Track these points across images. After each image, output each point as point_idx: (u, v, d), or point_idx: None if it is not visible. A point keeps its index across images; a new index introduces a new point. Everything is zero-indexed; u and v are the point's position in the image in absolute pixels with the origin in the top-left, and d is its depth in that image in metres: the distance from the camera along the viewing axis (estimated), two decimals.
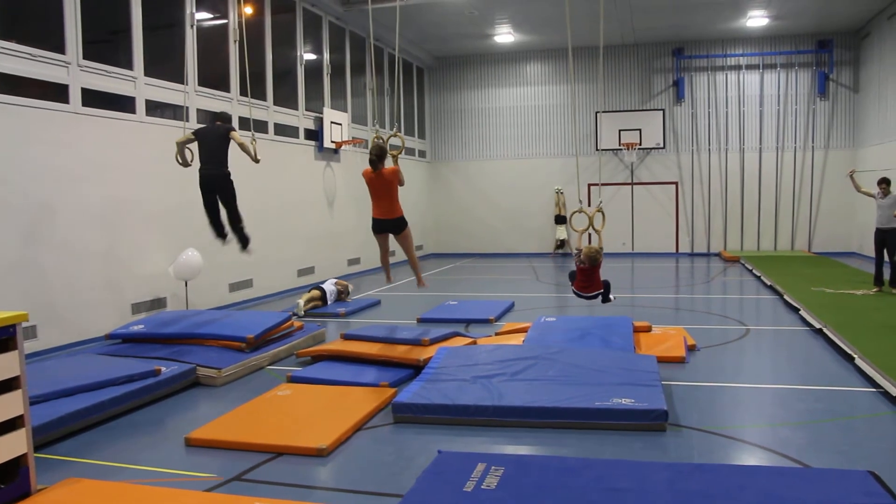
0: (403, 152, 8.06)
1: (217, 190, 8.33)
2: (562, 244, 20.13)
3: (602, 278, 7.89)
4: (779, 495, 3.78)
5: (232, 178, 8.37)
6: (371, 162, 7.50)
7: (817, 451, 4.71)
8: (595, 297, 7.88)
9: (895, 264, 10.86)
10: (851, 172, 12.22)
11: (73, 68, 8.58)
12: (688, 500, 3.75)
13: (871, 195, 11.35)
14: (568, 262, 18.28)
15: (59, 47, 8.44)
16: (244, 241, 8.68)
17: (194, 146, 8.46)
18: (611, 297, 7.99)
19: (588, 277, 7.78)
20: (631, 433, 5.10)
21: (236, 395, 6.43)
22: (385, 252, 8.14)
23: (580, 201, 8.38)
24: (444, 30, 17.71)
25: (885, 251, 11.08)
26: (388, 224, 7.70)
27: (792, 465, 4.47)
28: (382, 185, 7.56)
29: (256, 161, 8.51)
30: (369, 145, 8.31)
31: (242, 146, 8.23)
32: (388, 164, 7.72)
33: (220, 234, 8.60)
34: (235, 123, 11.51)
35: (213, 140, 8.29)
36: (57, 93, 8.41)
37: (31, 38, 8.10)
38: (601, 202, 8.28)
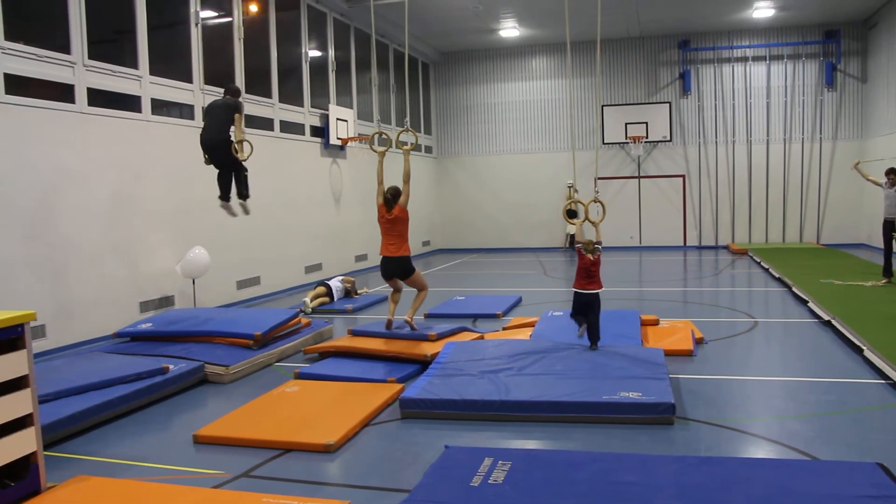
0: (413, 148, 8.11)
1: (216, 151, 8.38)
2: (572, 239, 20.04)
3: (602, 284, 7.01)
4: (786, 487, 3.77)
5: (232, 141, 8.38)
6: (385, 201, 7.70)
7: (826, 444, 4.69)
8: (593, 297, 6.85)
9: None
10: (856, 164, 12.20)
11: (78, 68, 8.60)
12: (694, 493, 3.75)
13: (879, 184, 11.29)
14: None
15: (65, 47, 8.46)
16: (244, 193, 8.68)
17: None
18: (597, 346, 6.82)
19: (590, 272, 6.93)
20: (638, 427, 5.09)
21: (244, 392, 6.45)
22: (396, 293, 8.01)
23: (575, 191, 8.09)
24: (448, 25, 17.67)
25: (893, 242, 11.02)
26: (395, 264, 7.75)
27: (800, 458, 4.46)
28: (393, 224, 7.72)
29: (242, 159, 8.43)
30: (375, 141, 8.34)
31: (239, 132, 8.26)
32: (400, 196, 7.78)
33: (225, 195, 8.64)
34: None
35: (217, 109, 8.39)
36: (63, 93, 8.43)
37: (37, 39, 8.13)
38: (597, 192, 7.78)
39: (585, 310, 6.87)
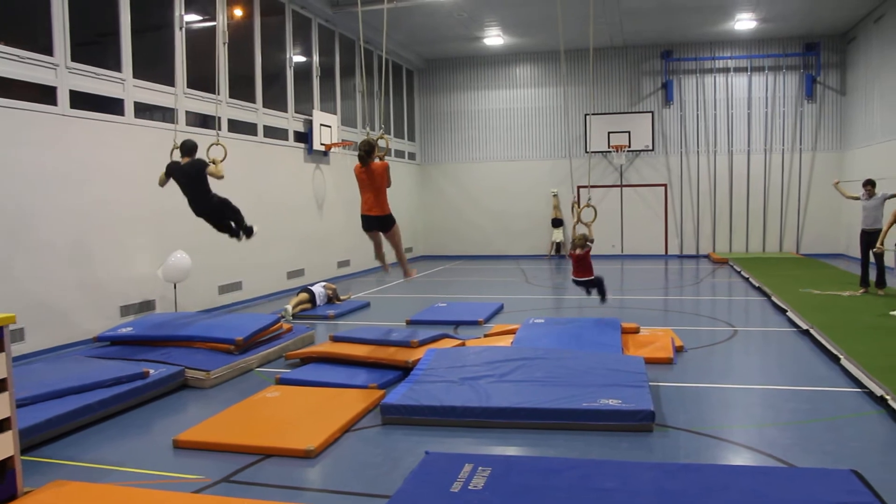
0: (392, 153, 8.19)
1: (211, 214, 8.46)
2: (558, 247, 20.14)
3: (595, 273, 8.97)
4: (763, 494, 3.81)
5: (223, 198, 8.48)
6: (360, 157, 7.67)
7: (803, 451, 4.75)
8: (588, 283, 8.96)
9: (881, 266, 10.93)
10: (836, 183, 12.38)
11: (61, 70, 8.55)
12: (673, 499, 3.78)
13: (857, 198, 11.42)
14: (563, 265, 18.35)
15: (47, 49, 8.41)
16: (248, 232, 8.79)
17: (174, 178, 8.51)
18: (607, 297, 9.24)
19: (579, 263, 8.86)
20: (618, 434, 5.13)
21: (225, 397, 6.43)
22: (378, 246, 8.29)
23: (573, 196, 9.67)
24: (433, 32, 17.73)
25: (870, 253, 11.15)
26: (376, 221, 7.83)
27: (777, 465, 4.50)
28: (371, 179, 7.70)
29: (220, 177, 8.35)
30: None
31: (213, 174, 8.27)
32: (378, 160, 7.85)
33: (232, 233, 8.70)
34: (224, 125, 11.50)
35: (189, 182, 8.25)
36: (45, 95, 8.38)
37: (19, 40, 8.08)
38: (590, 198, 9.37)
39: (587, 287, 9.08)
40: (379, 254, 8.42)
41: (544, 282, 15.05)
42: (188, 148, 8.30)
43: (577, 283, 9.10)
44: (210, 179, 8.29)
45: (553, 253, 20.23)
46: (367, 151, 7.63)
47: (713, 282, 14.37)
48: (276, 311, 10.36)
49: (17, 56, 8.01)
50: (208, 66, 11.41)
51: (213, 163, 8.32)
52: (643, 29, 17.88)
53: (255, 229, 8.88)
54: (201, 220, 8.66)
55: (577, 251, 8.85)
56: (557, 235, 20.09)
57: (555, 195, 20.11)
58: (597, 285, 9.01)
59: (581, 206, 9.41)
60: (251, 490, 4.28)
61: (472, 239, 21.08)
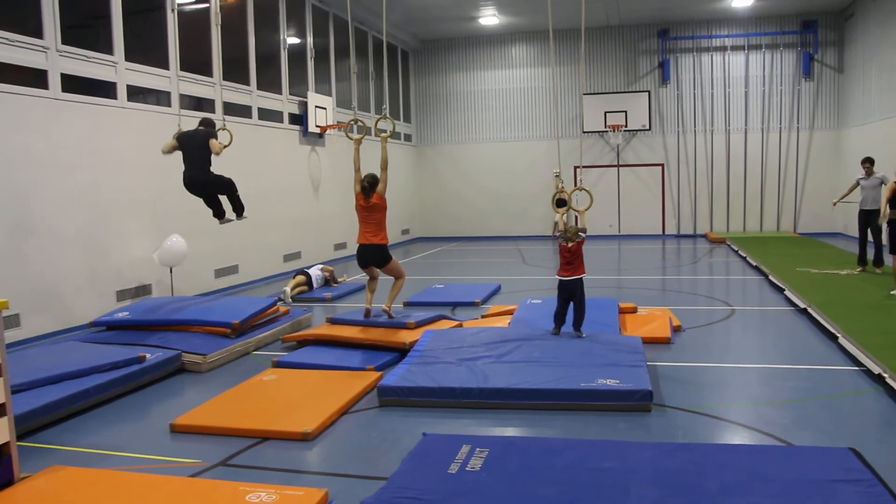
0: (390, 135, 8.06)
1: (205, 189, 8.44)
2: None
3: (584, 270, 7.14)
4: (760, 472, 3.81)
5: (218, 175, 8.45)
6: (363, 189, 7.63)
7: (801, 430, 4.75)
8: (574, 283, 6.99)
9: (878, 245, 10.92)
10: (835, 203, 12.22)
11: (51, 53, 8.46)
12: (670, 479, 3.78)
13: (857, 183, 11.26)
14: None
15: (37, 32, 8.32)
16: (239, 210, 8.79)
17: (179, 150, 8.50)
18: (582, 332, 6.92)
19: (570, 259, 7.11)
20: (616, 414, 5.12)
21: (221, 380, 6.42)
22: (373, 281, 8.00)
23: (561, 181, 8.22)
24: (428, 12, 17.58)
25: (868, 232, 11.14)
26: (373, 251, 7.69)
27: (775, 444, 4.50)
28: (371, 212, 7.67)
29: (217, 152, 8.41)
30: (354, 129, 8.25)
31: (219, 147, 8.35)
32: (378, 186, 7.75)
33: (219, 213, 8.75)
34: (219, 108, 11.42)
35: (195, 147, 8.32)
36: (36, 78, 8.29)
37: (8, 23, 7.98)
38: (581, 181, 8.12)
39: (568, 297, 7.03)
40: (371, 288, 7.90)
41: (542, 262, 15.02)
42: (207, 122, 8.52)
43: (563, 284, 7.06)
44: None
45: (556, 233, 20.18)
46: (370, 184, 7.61)
47: (710, 261, 14.36)
48: (273, 294, 10.34)
49: (7, 39, 7.92)
50: (202, 48, 11.33)
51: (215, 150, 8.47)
52: (639, 7, 17.75)
53: (244, 212, 8.89)
54: (197, 203, 8.62)
55: (570, 244, 7.16)
56: (557, 216, 20.00)
57: (557, 175, 20.03)
58: (581, 291, 7.04)
59: (571, 190, 8.24)
60: (249, 473, 4.27)
61: (469, 220, 21.03)
